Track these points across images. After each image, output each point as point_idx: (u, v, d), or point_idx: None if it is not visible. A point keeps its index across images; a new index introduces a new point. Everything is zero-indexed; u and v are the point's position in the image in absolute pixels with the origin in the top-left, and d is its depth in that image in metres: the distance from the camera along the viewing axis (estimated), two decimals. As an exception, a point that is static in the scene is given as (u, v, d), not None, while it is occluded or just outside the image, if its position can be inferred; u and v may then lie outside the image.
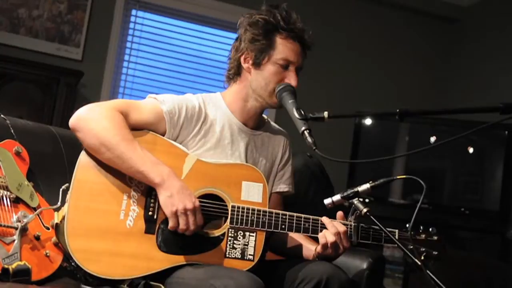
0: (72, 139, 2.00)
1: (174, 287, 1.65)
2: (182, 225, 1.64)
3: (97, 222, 1.65)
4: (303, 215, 1.78)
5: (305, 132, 1.69)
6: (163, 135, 1.81)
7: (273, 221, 1.75)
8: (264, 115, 2.02)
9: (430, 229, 1.81)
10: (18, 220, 1.64)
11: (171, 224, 1.65)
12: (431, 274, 1.45)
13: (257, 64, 1.87)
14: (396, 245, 1.67)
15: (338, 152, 2.23)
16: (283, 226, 1.75)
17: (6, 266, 1.50)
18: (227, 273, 1.60)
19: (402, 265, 3.77)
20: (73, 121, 1.71)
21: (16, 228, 1.61)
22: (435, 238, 1.79)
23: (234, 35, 1.96)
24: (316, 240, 1.81)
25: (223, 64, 4.53)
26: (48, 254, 1.67)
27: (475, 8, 4.92)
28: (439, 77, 5.02)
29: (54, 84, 3.90)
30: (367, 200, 3.27)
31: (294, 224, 1.76)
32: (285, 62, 1.86)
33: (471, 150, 4.05)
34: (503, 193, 3.85)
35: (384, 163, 3.98)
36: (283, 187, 2.03)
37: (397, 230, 1.78)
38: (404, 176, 1.84)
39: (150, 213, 1.69)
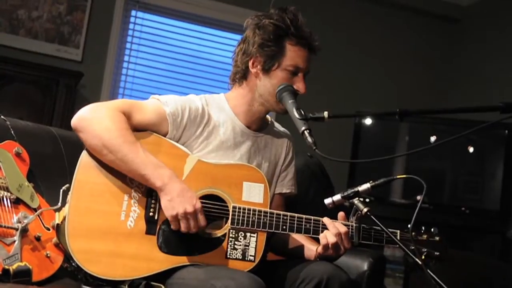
0: (72, 139, 2.00)
1: (175, 287, 1.64)
2: (183, 228, 1.65)
3: (98, 223, 1.65)
4: (304, 216, 1.77)
5: (305, 132, 1.69)
6: (165, 136, 1.80)
7: (274, 222, 1.74)
8: (267, 116, 2.01)
9: (432, 229, 1.80)
10: (19, 221, 1.64)
11: (173, 227, 1.66)
12: (431, 274, 1.45)
13: (266, 70, 1.85)
14: (397, 245, 1.66)
15: (338, 152, 2.23)
16: (284, 227, 1.75)
17: (6, 267, 1.50)
18: (228, 273, 1.60)
19: (402, 265, 3.76)
20: (75, 121, 1.71)
21: (17, 229, 1.61)
22: (437, 238, 1.78)
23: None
24: (317, 240, 1.80)
25: (223, 65, 4.55)
26: (48, 255, 1.66)
27: (475, 8, 4.92)
28: (439, 77, 5.02)
29: (54, 85, 3.89)
30: (367, 200, 3.27)
31: (295, 225, 1.76)
32: (295, 68, 1.85)
33: (471, 149, 4.04)
34: (503, 193, 3.84)
35: (384, 163, 3.97)
36: (285, 188, 2.03)
37: (398, 231, 1.77)
38: (404, 176, 1.83)
39: (151, 214, 1.69)
